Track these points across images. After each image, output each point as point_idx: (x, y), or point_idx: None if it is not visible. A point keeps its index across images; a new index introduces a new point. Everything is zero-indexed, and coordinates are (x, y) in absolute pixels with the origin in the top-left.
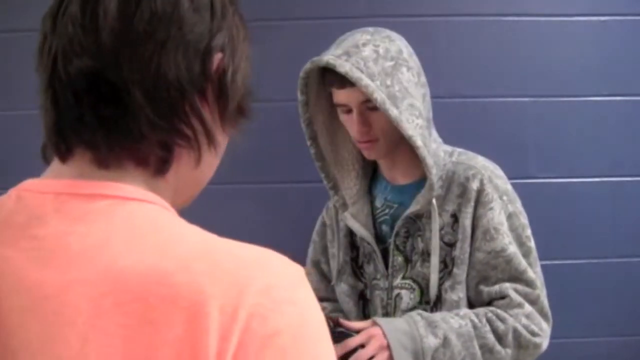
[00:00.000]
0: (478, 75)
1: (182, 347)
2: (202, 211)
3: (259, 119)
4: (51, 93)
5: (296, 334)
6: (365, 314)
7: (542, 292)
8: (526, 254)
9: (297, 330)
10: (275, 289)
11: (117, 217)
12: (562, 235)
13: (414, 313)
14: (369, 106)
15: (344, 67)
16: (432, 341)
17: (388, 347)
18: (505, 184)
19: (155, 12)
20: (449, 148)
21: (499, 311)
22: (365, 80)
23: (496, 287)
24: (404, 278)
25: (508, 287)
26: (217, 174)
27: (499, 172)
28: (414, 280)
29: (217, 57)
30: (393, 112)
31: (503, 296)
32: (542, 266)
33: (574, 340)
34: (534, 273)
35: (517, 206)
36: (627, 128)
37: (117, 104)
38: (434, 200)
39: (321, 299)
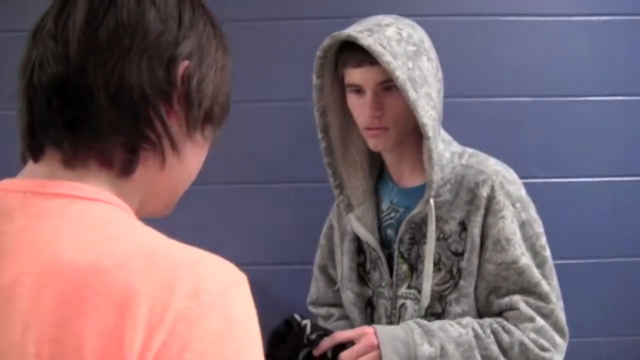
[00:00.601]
0: (478, 75)
1: (110, 339)
2: (202, 211)
3: (261, 118)
4: (27, 98)
5: (219, 340)
6: (372, 322)
7: (557, 306)
8: (541, 265)
9: (220, 336)
10: (204, 293)
11: (69, 214)
12: (563, 235)
13: (411, 321)
14: (385, 86)
15: (367, 40)
16: (427, 350)
17: (378, 346)
18: (518, 189)
19: (121, 22)
20: (459, 149)
21: (505, 323)
22: (387, 57)
23: (506, 299)
24: (409, 287)
25: (519, 300)
26: (218, 174)
27: (512, 176)
28: (420, 291)
29: (183, 65)
30: (412, 94)
31: (513, 308)
32: None
33: (574, 341)
34: (549, 285)
35: (531, 213)
36: (627, 128)
37: (81, 106)
38: (431, 200)
39: (329, 305)
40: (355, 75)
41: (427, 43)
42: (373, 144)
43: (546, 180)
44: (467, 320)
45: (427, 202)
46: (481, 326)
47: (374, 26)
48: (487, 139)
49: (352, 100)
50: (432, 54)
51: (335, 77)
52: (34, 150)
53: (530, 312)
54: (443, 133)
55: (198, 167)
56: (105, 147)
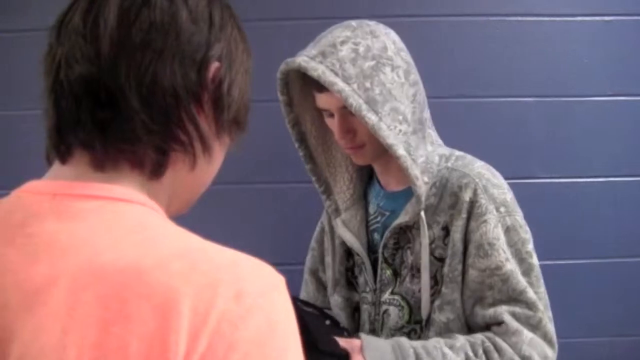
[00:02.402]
0: (480, 75)
1: (153, 342)
2: (203, 211)
3: (263, 118)
4: (53, 97)
5: (262, 341)
6: (359, 327)
7: (544, 315)
8: (526, 272)
9: (263, 337)
10: (246, 295)
11: (105, 216)
12: (563, 235)
13: (404, 341)
14: (350, 111)
15: (317, 70)
16: None
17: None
18: (503, 194)
19: (154, 22)
20: (446, 151)
21: (497, 340)
22: (338, 85)
23: (491, 311)
24: (392, 293)
25: (504, 312)
26: (218, 174)
27: (497, 180)
28: (403, 298)
29: (214, 66)
30: (371, 119)
31: (498, 322)
32: (542, 266)
33: (575, 341)
34: (536, 294)
35: (517, 218)
36: (630, 128)
37: (114, 108)
38: (422, 213)
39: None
40: (320, 100)
41: (392, 48)
42: (354, 159)
43: (548, 180)
44: (460, 342)
45: (417, 213)
46: (473, 346)
47: (327, 48)
48: (489, 139)
49: (328, 121)
50: (399, 60)
51: (305, 88)
52: (61, 151)
53: (516, 325)
54: (433, 134)
55: (218, 168)
56: (137, 149)
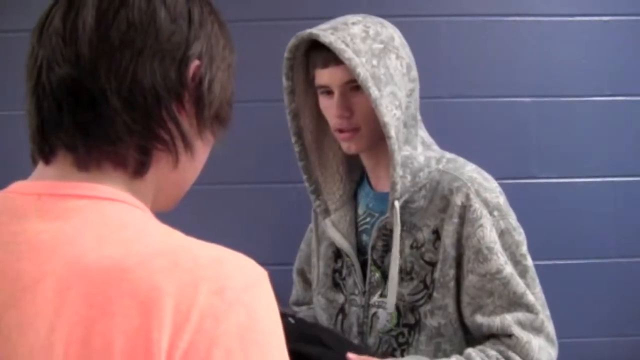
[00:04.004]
0: (479, 75)
1: (137, 338)
2: (199, 212)
3: (260, 118)
4: (35, 99)
5: (244, 335)
6: (343, 330)
7: (544, 315)
8: (522, 274)
9: (244, 332)
10: (228, 290)
11: (89, 215)
12: (563, 235)
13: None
14: (352, 86)
15: (329, 38)
16: None
17: None
18: (496, 197)
19: (132, 23)
20: (437, 154)
21: (510, 354)
22: (349, 53)
23: (497, 322)
24: (381, 296)
25: (511, 324)
26: (217, 174)
27: (490, 184)
28: None
29: (194, 64)
30: (374, 92)
31: (508, 334)
32: (543, 266)
33: (575, 340)
34: (533, 294)
35: (511, 221)
36: (629, 128)
37: (94, 109)
38: (396, 203)
39: (308, 305)
40: (322, 75)
41: (398, 41)
42: (346, 146)
43: (547, 180)
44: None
45: (392, 205)
46: None
47: (339, 24)
48: (487, 139)
49: (323, 102)
50: (404, 52)
51: (307, 79)
52: (45, 152)
53: (526, 335)
54: (424, 135)
55: (202, 164)
56: (119, 149)
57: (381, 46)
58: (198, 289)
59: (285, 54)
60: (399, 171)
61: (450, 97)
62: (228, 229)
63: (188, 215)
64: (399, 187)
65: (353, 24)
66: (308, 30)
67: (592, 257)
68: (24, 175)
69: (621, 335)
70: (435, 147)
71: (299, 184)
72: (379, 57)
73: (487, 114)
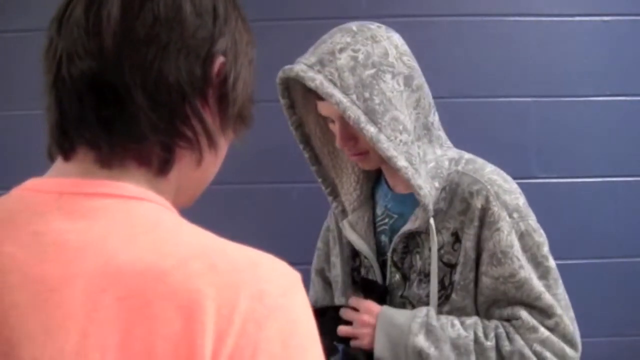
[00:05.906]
0: (480, 75)
1: (180, 342)
2: (203, 211)
3: (262, 118)
4: (55, 93)
5: (286, 341)
6: None
7: (563, 317)
8: (544, 275)
9: (287, 337)
10: (268, 295)
11: (117, 214)
12: (563, 235)
13: (421, 309)
14: None
15: (315, 80)
16: (420, 341)
17: (374, 327)
18: (515, 199)
19: (158, 17)
20: (456, 154)
21: (511, 329)
22: (336, 97)
23: (508, 309)
24: (401, 297)
25: (521, 309)
26: (219, 174)
27: (509, 185)
28: (410, 302)
29: (219, 61)
30: (369, 131)
31: (516, 318)
32: None
33: None
34: (554, 296)
35: (531, 223)
36: (629, 128)
37: (118, 105)
38: (431, 221)
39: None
40: (321, 107)
41: (394, 53)
42: (360, 165)
43: (547, 180)
44: (473, 319)
45: (426, 221)
46: (485, 329)
47: (326, 55)
48: (487, 139)
49: (330, 125)
50: (401, 65)
51: (305, 87)
52: (65, 148)
53: (533, 321)
54: (442, 136)
55: (221, 162)
56: (143, 147)
57: (372, 71)
58: (238, 293)
59: (277, 80)
60: (425, 191)
61: (450, 97)
62: (228, 229)
63: (188, 216)
64: (431, 206)
65: (341, 50)
66: (295, 70)
67: (592, 257)
68: (25, 174)
69: (620, 335)
70: (452, 147)
71: (299, 184)
72: (370, 86)
73: (487, 114)
